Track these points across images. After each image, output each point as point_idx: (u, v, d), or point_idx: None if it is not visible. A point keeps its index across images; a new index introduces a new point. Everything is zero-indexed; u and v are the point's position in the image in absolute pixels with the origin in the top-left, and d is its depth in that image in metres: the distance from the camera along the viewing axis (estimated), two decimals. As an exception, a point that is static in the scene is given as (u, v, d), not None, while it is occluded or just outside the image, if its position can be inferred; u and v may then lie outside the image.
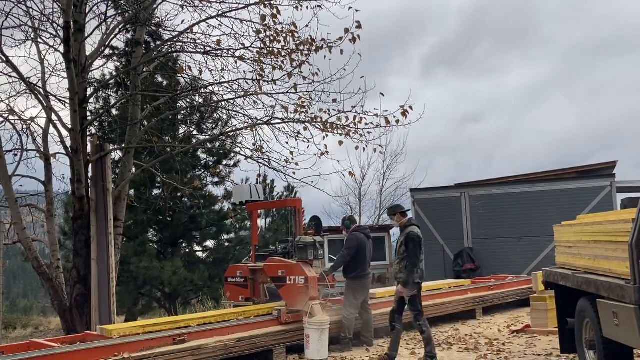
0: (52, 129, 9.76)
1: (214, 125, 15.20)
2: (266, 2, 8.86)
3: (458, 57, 68.32)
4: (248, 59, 9.18)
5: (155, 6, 10.15)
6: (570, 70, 75.52)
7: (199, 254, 18.87)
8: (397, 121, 9.16)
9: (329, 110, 9.36)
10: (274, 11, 8.89)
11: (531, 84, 69.40)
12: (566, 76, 73.59)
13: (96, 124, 13.62)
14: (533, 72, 70.20)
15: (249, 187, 9.53)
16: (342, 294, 8.67)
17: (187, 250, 18.63)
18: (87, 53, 9.63)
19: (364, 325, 8.06)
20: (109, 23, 9.91)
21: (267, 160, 9.50)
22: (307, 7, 8.99)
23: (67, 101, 9.27)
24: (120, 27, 10.40)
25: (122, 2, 10.12)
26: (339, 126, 9.32)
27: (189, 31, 9.57)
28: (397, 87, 62.36)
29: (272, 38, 9.05)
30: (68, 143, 9.24)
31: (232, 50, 9.37)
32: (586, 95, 71.25)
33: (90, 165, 9.14)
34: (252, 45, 9.13)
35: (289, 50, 9.07)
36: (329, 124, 9.29)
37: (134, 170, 10.61)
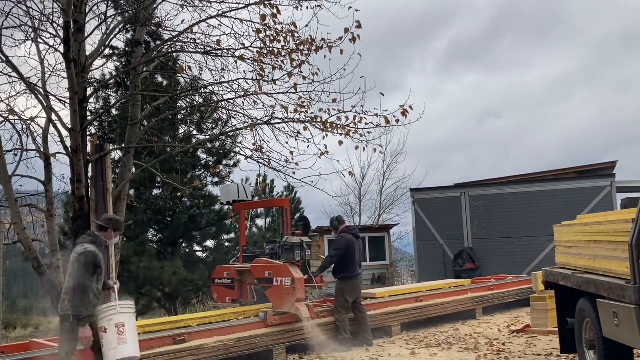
0: (52, 129, 9.74)
1: (214, 125, 15.21)
2: (266, 2, 8.86)
3: (483, 52, 68.46)
4: (248, 59, 9.18)
5: (155, 6, 10.15)
6: (597, 65, 75.20)
7: (199, 254, 18.90)
8: (397, 121, 9.17)
9: (329, 110, 9.36)
10: (274, 11, 8.89)
11: (557, 78, 69.27)
12: (592, 70, 73.29)
13: (96, 124, 13.62)
14: (559, 66, 70.00)
15: (236, 187, 9.50)
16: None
17: (187, 250, 18.65)
18: (87, 53, 9.62)
19: (361, 325, 8.04)
20: (109, 23, 9.89)
21: (267, 160, 9.49)
22: (307, 7, 9.00)
23: (67, 101, 9.26)
24: (120, 27, 10.39)
25: (122, 2, 10.11)
26: (339, 126, 9.32)
27: (189, 31, 9.56)
28: (420, 82, 62.63)
29: (272, 38, 9.04)
30: (68, 143, 9.22)
31: (232, 50, 9.37)
32: (613, 90, 70.79)
33: (90, 165, 9.13)
34: (252, 45, 9.13)
35: (289, 50, 9.07)
36: (329, 124, 9.28)
37: (134, 170, 10.61)
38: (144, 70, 10.44)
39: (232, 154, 16.84)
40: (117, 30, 10.33)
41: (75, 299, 4.91)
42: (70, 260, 5.11)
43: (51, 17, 9.39)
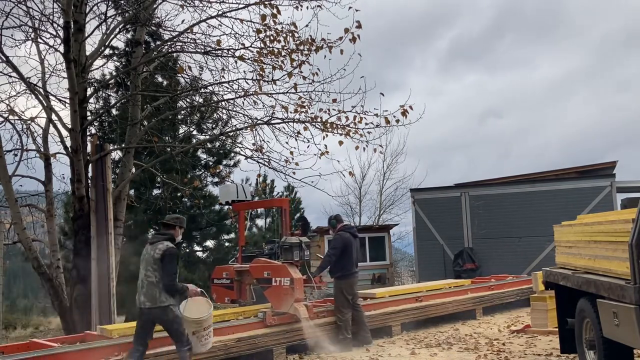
0: (52, 129, 9.77)
1: (214, 125, 15.20)
2: (266, 2, 8.87)
3: (484, 51, 68.51)
4: (248, 59, 9.19)
5: (155, 6, 10.16)
6: (598, 65, 75.11)
7: (199, 254, 18.87)
8: (397, 121, 9.18)
9: (329, 110, 9.37)
10: (274, 11, 8.91)
11: (558, 78, 69.34)
12: (593, 70, 73.24)
13: (96, 124, 13.62)
14: (560, 66, 70.06)
15: (235, 187, 9.47)
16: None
17: (187, 250, 18.63)
18: (87, 53, 9.64)
19: (358, 325, 8.02)
20: (109, 23, 9.92)
21: (267, 160, 9.51)
22: (307, 7, 9.02)
23: (67, 101, 9.28)
24: (120, 27, 10.40)
25: (122, 2, 10.12)
26: (339, 126, 9.33)
27: (189, 31, 9.58)
28: (421, 81, 62.66)
29: (272, 38, 9.05)
30: (68, 143, 9.24)
31: (232, 50, 9.39)
32: (613, 90, 70.70)
33: (90, 165, 9.14)
34: (252, 45, 9.15)
35: (289, 50, 9.07)
36: (329, 124, 9.29)
37: (134, 170, 10.61)
38: (144, 70, 10.45)
39: (232, 154, 16.84)
40: (117, 30, 10.35)
41: (171, 290, 5.55)
42: (151, 257, 5.61)
43: (51, 17, 9.41)
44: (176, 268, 5.64)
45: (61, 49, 8.98)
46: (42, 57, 10.04)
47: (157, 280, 5.53)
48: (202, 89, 10.49)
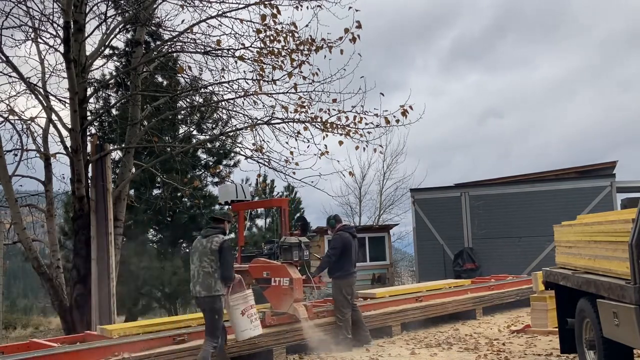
0: (52, 129, 9.77)
1: (214, 125, 15.19)
2: (266, 2, 8.87)
3: (485, 51, 68.62)
4: (248, 59, 9.19)
5: (155, 6, 10.16)
6: (599, 65, 75.19)
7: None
8: (397, 121, 9.18)
9: (329, 110, 9.37)
10: (274, 11, 8.91)
11: (558, 78, 69.42)
12: (594, 70, 73.39)
13: (96, 124, 13.63)
14: (561, 66, 70.15)
15: (234, 187, 9.45)
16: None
17: (187, 250, 18.63)
18: (87, 53, 9.64)
19: (357, 325, 8.01)
20: (109, 23, 9.92)
21: (267, 160, 9.52)
22: (307, 7, 9.02)
23: (67, 101, 9.28)
24: (120, 27, 10.41)
25: (122, 2, 10.12)
26: (339, 126, 9.33)
27: (189, 31, 9.58)
28: (423, 81, 62.74)
29: (272, 38, 9.06)
30: (68, 143, 9.24)
31: (232, 50, 9.39)
32: (614, 90, 70.83)
33: (90, 165, 9.14)
34: (252, 45, 9.15)
35: (289, 50, 9.08)
36: (329, 124, 9.30)
37: (134, 170, 10.62)
38: (144, 70, 10.45)
39: (232, 154, 16.84)
40: (117, 30, 10.35)
41: (229, 279, 6.04)
42: (208, 248, 6.00)
43: (51, 17, 9.41)
44: (233, 259, 6.18)
45: (61, 49, 8.99)
46: (42, 57, 10.05)
47: (213, 270, 5.94)
48: (202, 89, 10.49)
